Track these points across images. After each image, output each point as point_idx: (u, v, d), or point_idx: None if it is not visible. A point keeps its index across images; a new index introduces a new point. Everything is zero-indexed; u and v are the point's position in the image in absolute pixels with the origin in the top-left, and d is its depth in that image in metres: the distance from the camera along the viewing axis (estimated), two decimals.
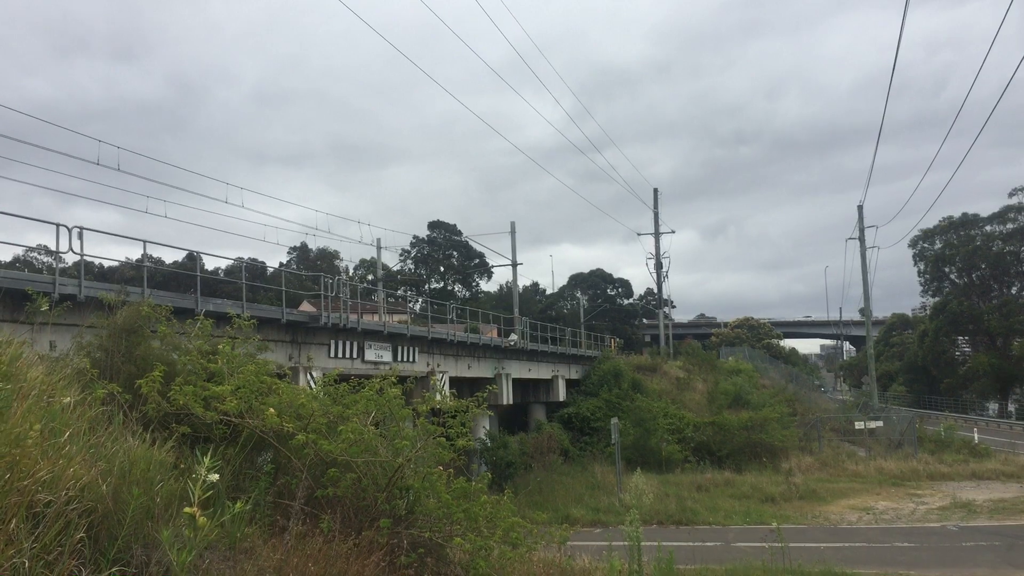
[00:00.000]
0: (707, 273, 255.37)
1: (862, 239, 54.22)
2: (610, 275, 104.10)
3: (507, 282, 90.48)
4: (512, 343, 42.12)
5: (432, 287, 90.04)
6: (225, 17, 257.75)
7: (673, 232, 73.81)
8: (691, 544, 21.96)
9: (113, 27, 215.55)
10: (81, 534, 4.43)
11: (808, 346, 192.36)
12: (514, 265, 53.51)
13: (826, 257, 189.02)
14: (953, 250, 76.37)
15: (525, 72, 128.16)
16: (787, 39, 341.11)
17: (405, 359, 30.59)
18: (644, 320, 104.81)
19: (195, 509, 4.21)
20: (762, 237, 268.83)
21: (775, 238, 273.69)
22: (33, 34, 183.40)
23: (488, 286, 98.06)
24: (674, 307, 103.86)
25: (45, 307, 7.04)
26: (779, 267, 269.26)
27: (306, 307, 43.35)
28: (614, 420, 34.35)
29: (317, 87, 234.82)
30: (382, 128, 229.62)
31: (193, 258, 45.18)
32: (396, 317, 43.67)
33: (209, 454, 4.89)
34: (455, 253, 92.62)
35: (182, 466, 6.68)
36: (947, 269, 78.54)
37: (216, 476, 4.50)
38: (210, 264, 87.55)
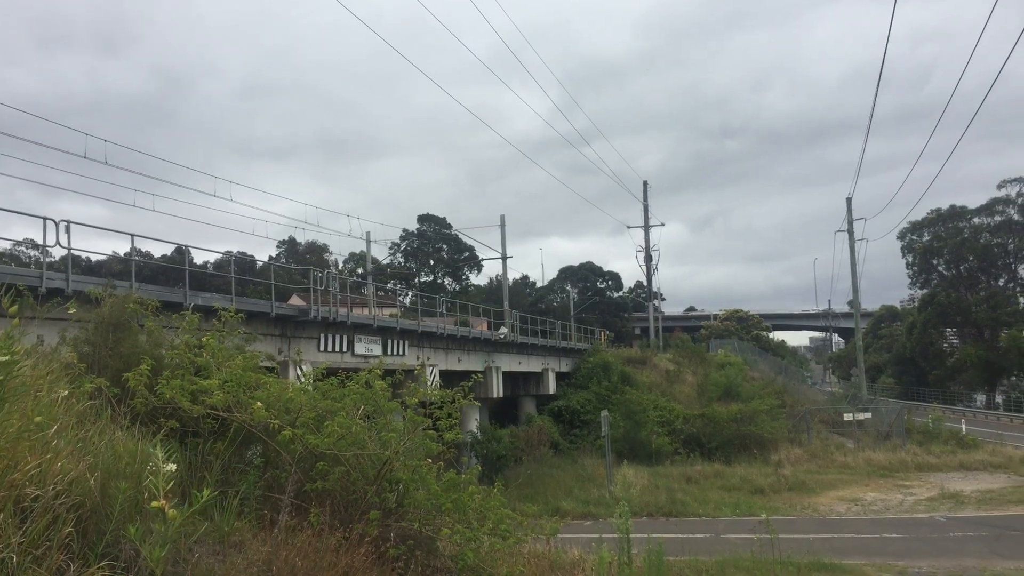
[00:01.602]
0: (695, 266, 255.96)
1: (851, 232, 54.42)
2: (600, 268, 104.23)
3: (497, 275, 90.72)
4: (502, 336, 42.16)
5: (422, 280, 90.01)
6: (209, 9, 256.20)
7: (663, 225, 74.32)
8: (681, 536, 22.04)
9: (97, 19, 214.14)
10: (69, 528, 4.42)
11: (797, 338, 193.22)
12: (504, 258, 53.52)
13: (814, 249, 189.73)
14: (941, 242, 76.64)
15: (511, 65, 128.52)
16: (772, 32, 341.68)
17: (395, 352, 30.57)
18: (634, 313, 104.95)
19: (163, 502, 4.17)
20: (749, 230, 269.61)
21: (763, 231, 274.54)
22: (15, 26, 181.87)
23: (478, 279, 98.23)
24: (664, 300, 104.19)
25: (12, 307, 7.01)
26: (767, 259, 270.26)
27: (295, 300, 43.23)
28: (604, 413, 34.43)
29: (303, 80, 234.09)
30: (369, 121, 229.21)
31: (181, 252, 45.06)
32: (386, 311, 43.61)
33: (158, 445, 4.87)
34: (445, 246, 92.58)
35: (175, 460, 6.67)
36: (935, 261, 78.84)
37: (173, 466, 4.44)
38: (199, 258, 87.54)
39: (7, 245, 68.99)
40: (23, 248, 69.66)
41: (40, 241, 16.69)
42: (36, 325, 8.21)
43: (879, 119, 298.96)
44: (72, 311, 8.87)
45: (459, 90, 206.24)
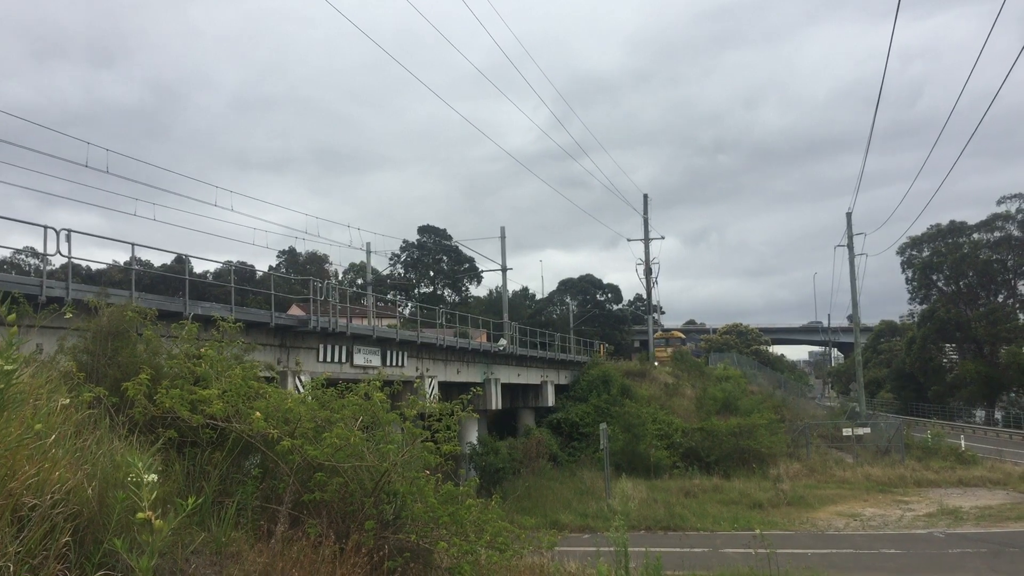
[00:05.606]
0: (691, 280, 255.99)
1: (851, 246, 54.36)
2: (600, 280, 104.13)
3: (497, 287, 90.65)
4: (501, 348, 42.11)
5: (422, 291, 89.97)
6: (205, 22, 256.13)
7: (663, 238, 74.49)
8: (679, 550, 21.98)
9: (92, 32, 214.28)
10: (67, 538, 4.42)
11: (796, 352, 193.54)
12: (504, 270, 53.55)
13: (809, 264, 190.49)
14: (941, 258, 76.72)
15: (505, 80, 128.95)
16: (763, 50, 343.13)
17: (394, 363, 30.54)
18: (633, 326, 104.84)
19: (149, 513, 4.14)
20: (745, 245, 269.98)
21: (757, 245, 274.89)
22: (11, 38, 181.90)
23: (478, 291, 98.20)
24: (663, 313, 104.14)
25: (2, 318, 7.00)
26: (763, 274, 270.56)
27: (295, 311, 43.30)
28: (603, 425, 34.38)
29: (297, 93, 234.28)
30: (363, 134, 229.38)
31: (181, 261, 45.10)
32: (385, 321, 43.60)
33: (135, 454, 4.86)
34: (445, 258, 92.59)
35: (173, 470, 6.67)
36: (935, 277, 78.91)
37: (154, 476, 4.41)
38: (198, 267, 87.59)
39: (7, 253, 69.11)
40: (23, 256, 69.76)
41: (40, 249, 16.70)
42: (35, 334, 8.20)
43: (871, 135, 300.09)
44: (68, 316, 8.85)
45: (452, 105, 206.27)
